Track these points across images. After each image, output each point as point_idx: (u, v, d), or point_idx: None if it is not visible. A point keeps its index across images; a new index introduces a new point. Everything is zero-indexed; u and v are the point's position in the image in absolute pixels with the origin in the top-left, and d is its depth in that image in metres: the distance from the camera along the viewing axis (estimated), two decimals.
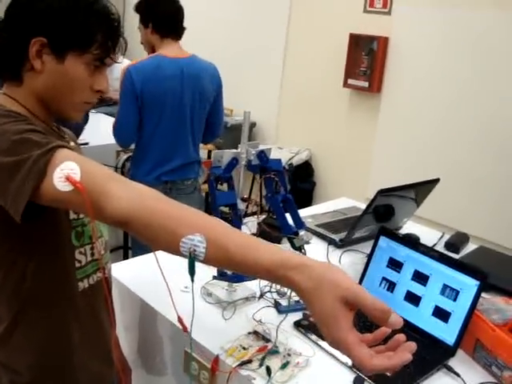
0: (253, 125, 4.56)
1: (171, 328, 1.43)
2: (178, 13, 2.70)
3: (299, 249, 1.51)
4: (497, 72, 3.13)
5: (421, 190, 2.06)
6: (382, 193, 1.84)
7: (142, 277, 1.60)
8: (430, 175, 3.39)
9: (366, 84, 3.71)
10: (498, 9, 3.09)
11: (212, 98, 2.85)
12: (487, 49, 3.16)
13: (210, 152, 4.74)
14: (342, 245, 1.98)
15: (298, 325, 1.44)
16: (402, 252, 1.52)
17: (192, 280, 0.91)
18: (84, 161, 0.93)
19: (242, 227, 1.56)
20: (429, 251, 1.48)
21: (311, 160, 4.20)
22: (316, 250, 1.87)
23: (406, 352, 0.76)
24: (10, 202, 0.91)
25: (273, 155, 4.41)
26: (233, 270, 0.88)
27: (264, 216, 1.74)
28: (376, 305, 0.74)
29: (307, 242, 1.51)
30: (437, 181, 2.08)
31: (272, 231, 1.74)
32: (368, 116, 3.82)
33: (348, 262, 1.82)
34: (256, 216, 1.67)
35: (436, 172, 3.40)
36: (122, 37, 1.15)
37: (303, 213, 2.24)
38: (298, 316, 1.47)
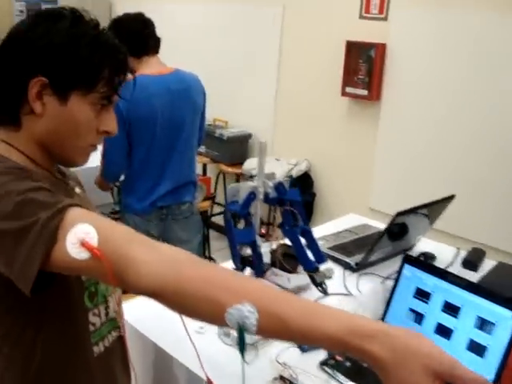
0: (248, 136, 4.48)
1: (188, 373, 1.34)
2: (146, 27, 2.51)
3: (320, 284, 1.42)
4: (497, 73, 3.07)
5: (435, 207, 1.99)
6: (400, 215, 1.76)
7: (152, 317, 1.50)
8: (434, 183, 3.36)
9: (365, 92, 3.63)
10: (495, 11, 3.03)
11: (203, 109, 2.72)
12: (486, 51, 3.09)
13: (205, 165, 4.65)
14: (357, 269, 1.90)
15: (324, 364, 1.35)
16: (429, 281, 1.44)
17: (242, 356, 0.79)
18: (100, 221, 0.82)
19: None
20: (459, 280, 1.40)
21: (310, 171, 4.12)
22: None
23: None
24: (18, 273, 0.80)
25: (271, 167, 4.38)
26: (290, 341, 0.77)
27: (277, 243, 1.65)
28: (478, 380, 0.66)
29: (329, 277, 1.42)
30: (451, 198, 2.00)
31: (287, 260, 1.66)
32: (368, 124, 3.74)
33: (368, 290, 1.74)
34: (270, 243, 1.57)
35: (441, 180, 3.37)
36: (130, 70, 1.05)
37: None
38: (323, 355, 1.39)
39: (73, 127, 0.97)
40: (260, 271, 1.32)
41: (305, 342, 0.76)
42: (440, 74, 3.32)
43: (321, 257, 1.46)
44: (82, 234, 0.78)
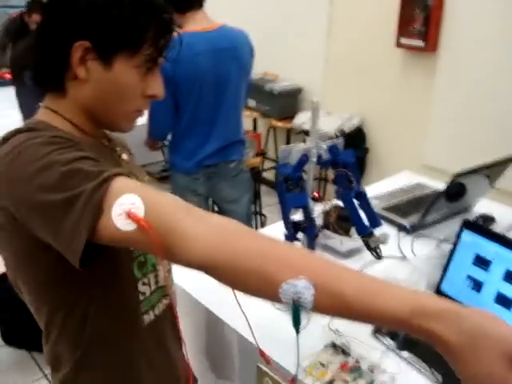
0: (298, 90, 4.38)
1: (240, 340, 1.33)
2: None
3: (374, 249, 1.38)
4: None
5: (496, 168, 1.89)
6: (458, 176, 1.68)
7: (203, 282, 1.50)
8: (492, 140, 3.22)
9: (421, 43, 3.46)
10: None
11: (250, 67, 2.63)
12: None
13: (255, 120, 4.60)
14: (412, 231, 1.84)
15: (377, 332, 1.32)
16: (491, 249, 1.37)
17: (297, 331, 0.76)
18: (146, 191, 0.79)
19: None
20: None
21: (363, 126, 4.01)
22: None
23: None
24: (65, 246, 0.79)
25: (322, 121, 4.25)
26: (345, 318, 0.73)
27: (330, 204, 1.60)
28: None
29: (383, 243, 1.37)
30: None
31: (340, 223, 1.62)
32: (424, 77, 3.59)
33: (423, 254, 1.69)
34: (323, 204, 1.53)
35: (498, 137, 3.22)
36: (176, 30, 1.01)
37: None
38: None
39: (118, 92, 0.94)
40: (312, 236, 1.28)
41: (364, 320, 0.72)
42: (502, 24, 3.12)
43: (376, 221, 1.40)
44: (127, 205, 0.76)
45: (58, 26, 0.91)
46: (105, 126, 1.02)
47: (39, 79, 0.96)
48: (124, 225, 0.75)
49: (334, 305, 0.71)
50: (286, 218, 1.24)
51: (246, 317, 0.99)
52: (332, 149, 1.31)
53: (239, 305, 1.01)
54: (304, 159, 1.24)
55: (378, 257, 1.49)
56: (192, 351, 1.50)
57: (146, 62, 0.94)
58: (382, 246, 1.51)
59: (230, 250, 0.74)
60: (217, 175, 2.61)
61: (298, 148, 1.24)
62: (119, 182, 0.79)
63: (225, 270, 0.74)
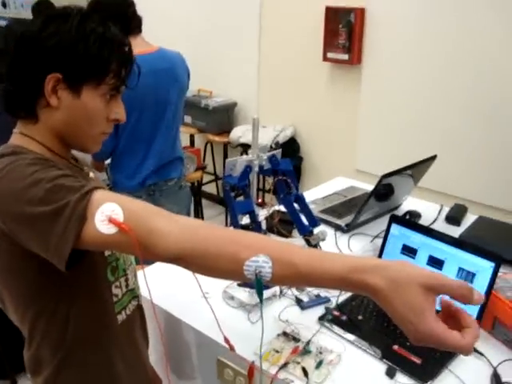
0: (234, 105, 4.55)
1: (198, 336, 1.45)
2: (128, 7, 2.49)
3: (315, 246, 1.54)
4: (481, 33, 3.14)
5: (419, 167, 2.10)
6: (385, 177, 1.87)
7: (162, 285, 1.61)
8: (417, 142, 3.48)
9: (346, 56, 3.70)
10: None
11: (186, 87, 2.77)
12: (468, 12, 3.16)
13: (192, 136, 4.72)
14: (348, 230, 2.02)
15: (322, 319, 1.48)
16: (416, 238, 1.57)
17: (261, 301, 0.91)
18: (122, 199, 0.92)
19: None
20: (442, 236, 1.52)
21: (296, 136, 4.21)
22: None
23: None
24: (53, 251, 0.90)
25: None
26: (301, 285, 0.90)
27: (272, 209, 1.75)
28: (462, 284, 0.76)
29: (323, 239, 1.54)
30: (434, 158, 2.12)
31: (282, 226, 1.77)
32: (350, 88, 3.83)
33: (359, 249, 1.87)
34: (265, 210, 1.67)
35: (423, 139, 3.49)
36: (135, 61, 1.14)
37: None
38: (320, 310, 1.52)
39: (86, 117, 1.06)
40: None
41: (315, 283, 0.87)
42: (419, 36, 3.40)
43: (314, 221, 1.56)
44: (108, 212, 0.89)
45: (31, 61, 1.02)
46: (74, 148, 1.14)
47: (11, 108, 1.07)
48: (106, 229, 0.88)
49: (288, 273, 0.86)
50: (234, 223, 1.38)
51: (211, 308, 1.12)
52: (272, 159, 1.46)
53: (205, 298, 1.16)
54: (248, 170, 1.39)
55: None
56: (153, 354, 1.62)
57: (110, 90, 1.07)
58: (321, 245, 1.67)
59: (199, 240, 0.88)
60: (157, 192, 2.71)
61: (241, 160, 1.39)
62: (99, 194, 0.92)
63: (196, 258, 0.88)
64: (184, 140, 4.46)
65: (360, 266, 0.81)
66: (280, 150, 1.50)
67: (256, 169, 1.43)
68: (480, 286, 1.42)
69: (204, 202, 4.53)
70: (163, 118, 2.61)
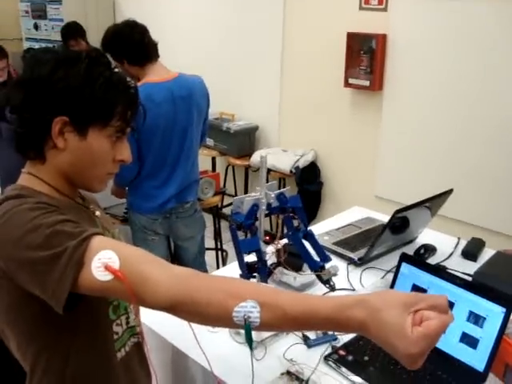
0: (255, 129, 4.56)
1: (204, 373, 1.44)
2: (144, 37, 2.56)
3: (327, 282, 1.52)
4: (500, 63, 3.11)
5: (435, 200, 2.07)
6: (398, 212, 1.85)
7: (168, 319, 1.60)
8: (436, 171, 3.44)
9: (367, 83, 3.69)
10: (497, 0, 3.07)
11: (206, 111, 2.81)
12: (488, 40, 3.13)
13: (214, 159, 4.75)
14: (360, 263, 2.00)
15: (328, 359, 1.46)
16: (425, 278, 1.54)
17: (250, 347, 0.93)
18: (120, 247, 0.94)
19: None
20: (452, 278, 1.50)
21: (317, 161, 4.20)
22: None
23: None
24: (50, 295, 0.92)
25: (278, 158, 4.40)
26: (289, 329, 0.94)
27: (282, 243, 1.74)
28: (437, 296, 0.81)
29: (334, 275, 1.52)
30: (450, 191, 2.08)
31: (292, 259, 1.75)
32: (371, 114, 3.81)
33: (369, 285, 1.84)
34: (274, 244, 1.66)
35: (442, 167, 3.45)
36: (141, 104, 1.16)
37: (317, 229, 2.26)
38: (327, 349, 1.49)
39: (91, 158, 1.09)
40: (265, 276, 1.42)
41: (304, 325, 0.93)
42: (441, 64, 3.38)
43: (325, 257, 1.55)
44: (105, 259, 0.91)
45: (40, 104, 1.05)
46: (80, 187, 1.17)
47: (21, 148, 1.10)
48: (102, 276, 0.90)
49: (276, 316, 0.88)
50: (240, 260, 1.37)
51: (200, 347, 1.12)
52: (280, 196, 1.46)
53: (195, 336, 1.15)
54: (255, 209, 1.39)
55: (332, 288, 1.61)
56: None
57: (115, 132, 1.10)
58: (333, 279, 1.65)
59: (189, 289, 0.91)
60: (173, 215, 2.74)
61: (248, 198, 1.39)
62: (97, 240, 0.94)
63: (187, 306, 0.90)
64: (206, 163, 4.50)
65: (344, 303, 0.85)
66: (288, 187, 1.49)
67: (263, 207, 1.42)
68: (490, 330, 1.39)
69: (224, 224, 4.53)
70: (184, 144, 2.65)
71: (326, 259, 1.61)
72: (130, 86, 1.11)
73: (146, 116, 2.44)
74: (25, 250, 0.92)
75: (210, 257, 3.67)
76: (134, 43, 2.51)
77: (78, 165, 1.09)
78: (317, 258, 1.62)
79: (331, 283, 1.62)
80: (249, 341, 0.91)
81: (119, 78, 1.09)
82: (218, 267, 3.86)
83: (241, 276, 1.44)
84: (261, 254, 1.38)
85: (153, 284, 0.90)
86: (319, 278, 1.61)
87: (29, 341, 1.08)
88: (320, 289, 1.68)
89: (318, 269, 1.57)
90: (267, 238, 1.54)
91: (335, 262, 1.94)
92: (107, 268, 0.90)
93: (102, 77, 1.06)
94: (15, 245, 0.93)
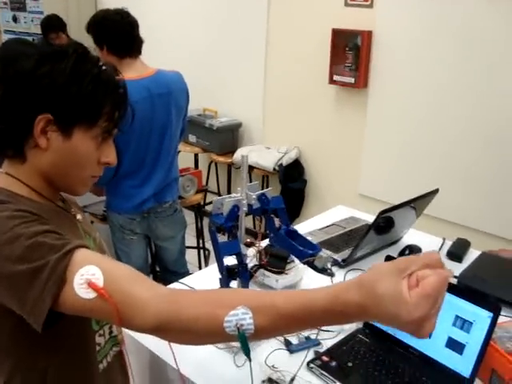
0: (238, 125, 4.50)
1: (181, 376, 1.40)
2: (133, 28, 2.49)
3: (323, 270, 1.45)
4: (484, 60, 3.10)
5: (421, 201, 2.04)
6: (383, 213, 1.81)
7: None
8: (421, 169, 3.42)
9: (352, 80, 3.65)
10: None
11: (185, 108, 2.74)
12: (473, 37, 3.11)
13: (196, 155, 4.68)
14: (344, 265, 1.95)
15: (311, 364, 1.41)
16: None
17: (249, 359, 0.87)
18: (105, 262, 0.88)
19: None
20: None
21: (300, 158, 4.15)
22: None
23: None
24: (29, 312, 0.85)
25: (261, 156, 4.34)
26: (289, 329, 0.89)
27: (263, 245, 1.69)
28: (428, 253, 0.78)
29: (329, 260, 1.46)
30: (436, 191, 2.05)
31: (274, 261, 1.70)
32: (356, 111, 3.78)
33: None
34: (256, 245, 1.60)
35: (427, 165, 3.43)
36: (130, 104, 1.10)
37: (300, 228, 2.20)
38: (310, 354, 1.45)
39: (76, 160, 1.02)
40: (246, 280, 1.37)
41: (302, 320, 0.83)
42: (427, 61, 3.35)
43: (314, 246, 1.45)
44: (88, 276, 0.84)
45: (23, 100, 0.97)
46: (62, 190, 1.10)
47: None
48: (85, 293, 0.83)
49: (270, 318, 0.82)
50: (220, 264, 1.32)
51: (170, 347, 1.04)
52: (261, 198, 1.40)
53: (170, 345, 1.10)
54: (235, 210, 1.34)
55: (331, 274, 1.52)
56: None
57: (102, 133, 1.03)
58: (315, 281, 1.58)
59: (177, 307, 0.84)
60: (152, 215, 2.68)
61: (229, 199, 1.33)
62: (81, 254, 0.87)
63: (175, 325, 0.84)
64: (188, 159, 4.44)
65: (338, 289, 0.80)
66: (271, 188, 1.44)
67: (245, 208, 1.37)
68: (477, 335, 1.35)
69: (206, 222, 4.47)
70: (163, 142, 2.59)
71: (315, 248, 1.52)
72: (119, 86, 1.05)
73: None
74: (3, 261, 0.85)
75: (191, 255, 3.62)
76: (122, 32, 2.43)
77: (61, 166, 1.02)
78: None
79: (328, 270, 1.52)
80: (246, 351, 0.85)
81: (108, 77, 1.03)
82: (200, 266, 3.80)
83: (220, 280, 1.39)
84: (241, 257, 1.33)
85: (142, 304, 0.83)
86: (313, 267, 1.51)
87: (4, 356, 1.01)
88: None
89: (308, 256, 1.49)
90: (248, 240, 1.48)
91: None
92: (90, 285, 0.83)
93: (90, 74, 0.99)
94: None
